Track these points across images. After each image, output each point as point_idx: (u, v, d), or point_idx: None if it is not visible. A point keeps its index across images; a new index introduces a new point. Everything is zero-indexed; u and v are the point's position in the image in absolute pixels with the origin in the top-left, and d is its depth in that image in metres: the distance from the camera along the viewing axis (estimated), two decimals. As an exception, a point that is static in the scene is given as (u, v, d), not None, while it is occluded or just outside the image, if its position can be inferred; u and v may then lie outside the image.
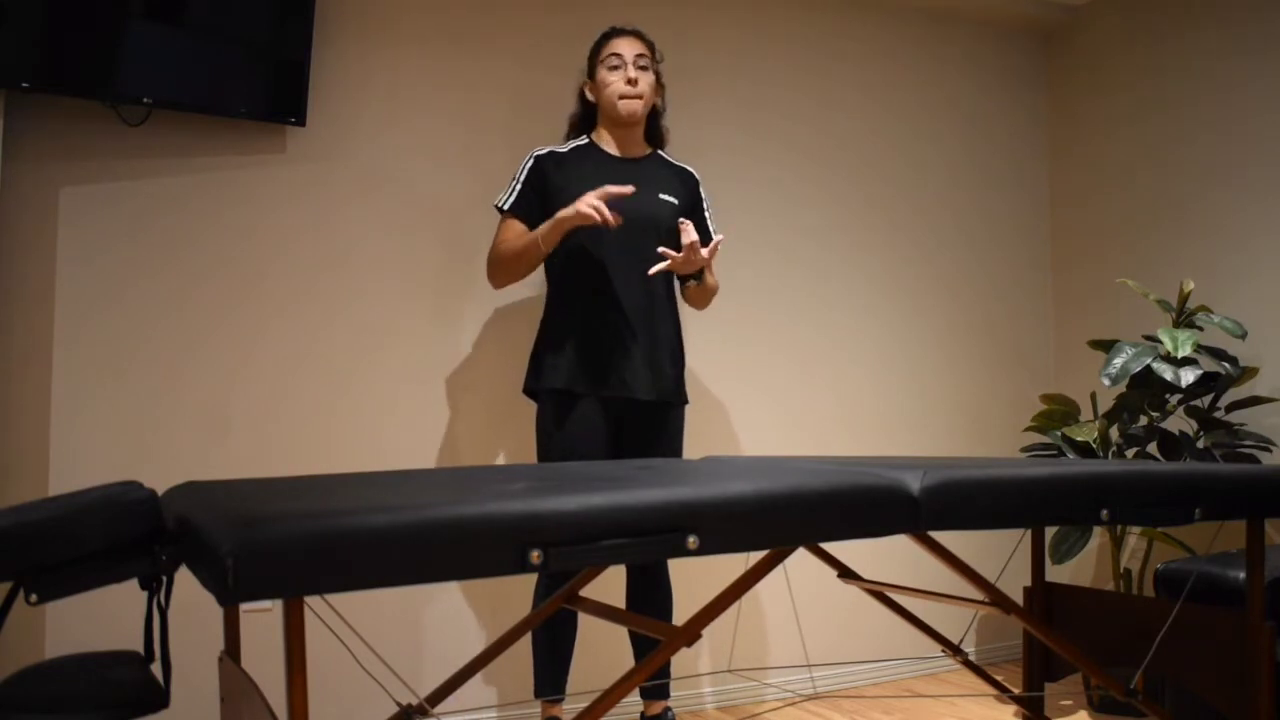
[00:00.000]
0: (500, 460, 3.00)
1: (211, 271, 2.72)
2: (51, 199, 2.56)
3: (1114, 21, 3.78)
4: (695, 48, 3.37)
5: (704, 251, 2.46)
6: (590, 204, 2.36)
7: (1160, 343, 2.99)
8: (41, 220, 2.55)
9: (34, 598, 1.13)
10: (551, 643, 2.59)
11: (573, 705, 2.97)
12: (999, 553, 3.76)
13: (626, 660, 3.10)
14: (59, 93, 2.45)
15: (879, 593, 2.06)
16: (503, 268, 2.59)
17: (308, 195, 2.82)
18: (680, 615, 3.09)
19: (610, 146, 2.67)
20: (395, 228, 2.92)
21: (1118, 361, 2.99)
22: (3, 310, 2.49)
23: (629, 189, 2.40)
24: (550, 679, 2.59)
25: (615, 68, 2.60)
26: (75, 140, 2.59)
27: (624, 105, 2.59)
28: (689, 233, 2.43)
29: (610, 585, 3.04)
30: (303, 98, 2.71)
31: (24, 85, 2.39)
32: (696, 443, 3.27)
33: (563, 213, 2.42)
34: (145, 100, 2.53)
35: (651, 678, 2.70)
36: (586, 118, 2.73)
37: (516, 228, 2.59)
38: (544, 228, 2.47)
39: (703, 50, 3.38)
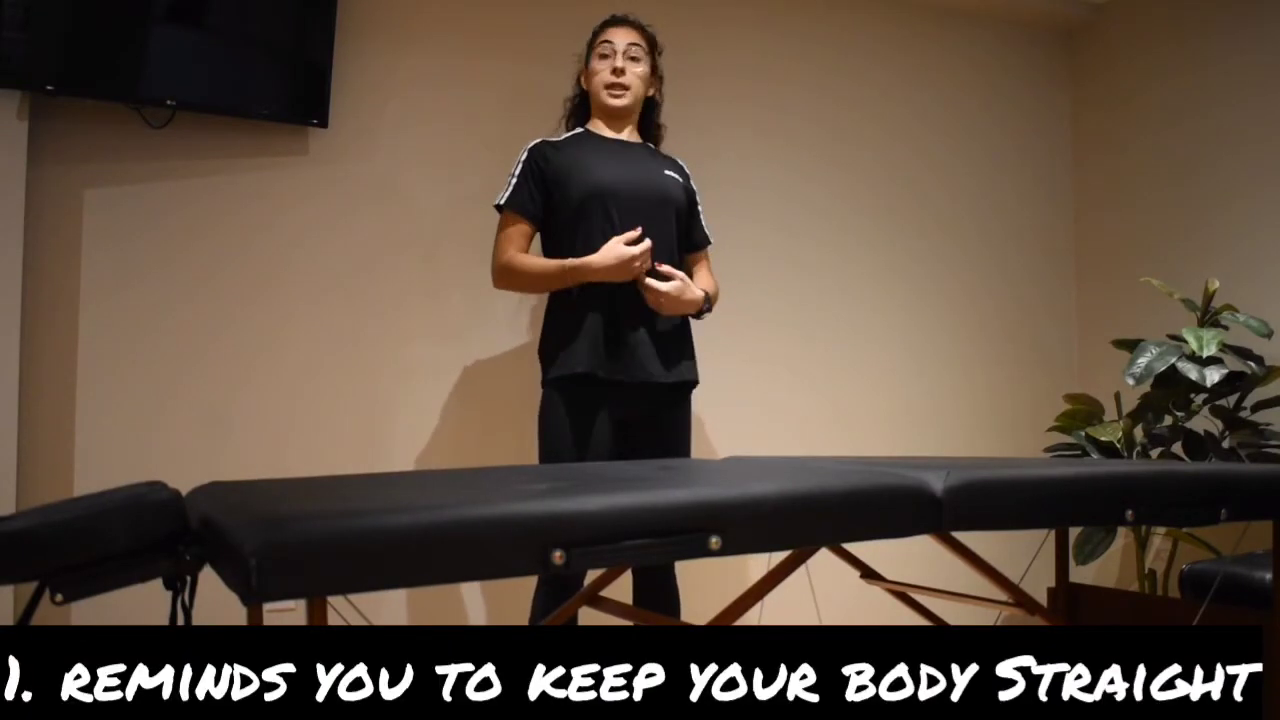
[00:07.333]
0: (512, 461, 3.00)
1: (233, 272, 2.73)
2: (76, 200, 2.58)
3: (1138, 18, 3.75)
4: (709, 47, 3.36)
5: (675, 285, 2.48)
6: (623, 252, 2.38)
7: (1185, 342, 2.97)
8: (66, 222, 2.57)
9: (59, 597, 1.13)
10: None
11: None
12: (1022, 553, 3.73)
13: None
14: (83, 95, 2.47)
15: (902, 593, 2.05)
16: (517, 283, 2.55)
17: (329, 196, 2.84)
18: (685, 618, 3.08)
19: (603, 134, 2.64)
20: (417, 229, 2.93)
21: (1142, 361, 2.96)
22: (28, 311, 2.52)
23: (637, 234, 2.43)
24: None
25: (605, 56, 2.60)
26: (99, 142, 2.61)
27: (608, 95, 2.58)
28: (667, 279, 2.47)
29: (613, 588, 3.00)
30: (325, 99, 2.73)
31: (49, 88, 2.41)
32: (718, 443, 3.27)
33: (597, 262, 2.41)
34: (169, 102, 2.54)
35: None
36: (582, 105, 2.71)
37: (518, 224, 2.55)
38: (572, 271, 2.44)
39: (717, 49, 3.37)
